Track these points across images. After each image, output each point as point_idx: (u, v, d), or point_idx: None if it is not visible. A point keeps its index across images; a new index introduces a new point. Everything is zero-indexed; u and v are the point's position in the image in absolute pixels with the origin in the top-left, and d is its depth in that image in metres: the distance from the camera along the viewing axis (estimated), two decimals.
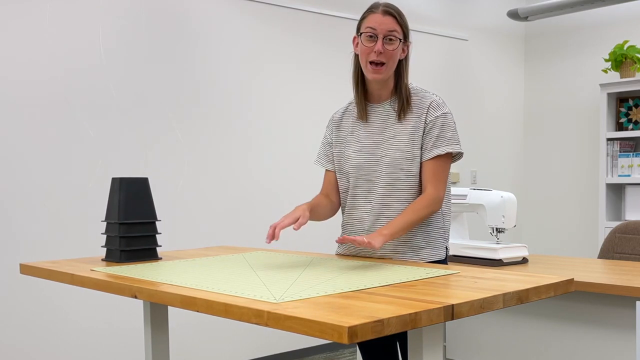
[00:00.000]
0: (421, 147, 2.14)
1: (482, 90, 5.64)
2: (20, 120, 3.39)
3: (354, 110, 2.28)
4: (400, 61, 2.17)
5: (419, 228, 2.17)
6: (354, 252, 2.27)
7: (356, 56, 2.20)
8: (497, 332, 2.83)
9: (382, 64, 2.11)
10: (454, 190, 3.05)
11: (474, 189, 3.02)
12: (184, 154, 3.94)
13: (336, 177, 2.32)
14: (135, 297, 1.71)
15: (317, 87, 4.53)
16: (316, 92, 4.53)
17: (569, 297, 2.57)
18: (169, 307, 3.74)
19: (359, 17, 2.22)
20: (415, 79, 5.12)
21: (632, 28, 5.31)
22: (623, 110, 5.16)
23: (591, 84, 5.55)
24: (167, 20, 3.87)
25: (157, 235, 3.40)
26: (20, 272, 2.32)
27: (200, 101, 4.01)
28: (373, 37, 2.10)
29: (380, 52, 2.09)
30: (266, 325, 1.35)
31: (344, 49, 4.60)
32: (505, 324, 2.79)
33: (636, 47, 5.00)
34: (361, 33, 2.13)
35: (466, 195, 3.02)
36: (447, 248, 2.25)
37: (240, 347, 4.19)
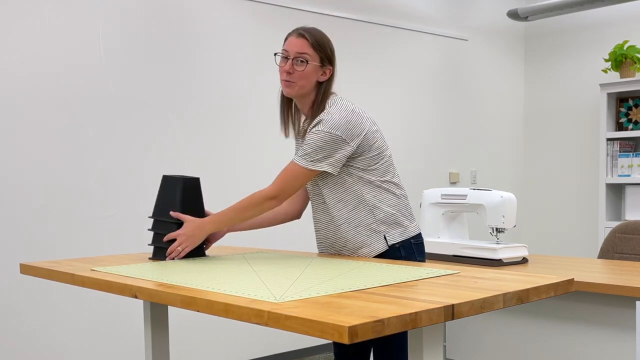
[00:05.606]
0: None
1: (482, 90, 5.64)
2: (19, 120, 3.39)
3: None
4: (321, 83, 2.27)
5: (349, 231, 2.22)
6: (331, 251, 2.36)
7: None
8: (497, 332, 2.83)
9: (292, 82, 2.21)
10: (454, 190, 3.06)
11: (474, 189, 3.02)
12: (183, 154, 3.94)
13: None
14: (136, 297, 1.71)
15: None
16: None
17: (569, 297, 2.57)
18: (169, 307, 3.74)
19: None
20: (415, 79, 5.12)
21: (632, 28, 5.31)
22: (623, 110, 5.16)
23: (591, 84, 5.55)
24: (167, 20, 3.87)
25: None
26: (20, 272, 2.32)
27: (200, 101, 4.01)
28: (285, 58, 2.22)
29: (289, 73, 2.20)
30: (266, 325, 1.35)
31: (344, 49, 4.60)
32: (505, 324, 2.79)
33: (636, 47, 5.00)
34: (276, 53, 2.27)
35: (466, 195, 3.02)
36: (385, 238, 2.20)
37: (240, 347, 4.19)
